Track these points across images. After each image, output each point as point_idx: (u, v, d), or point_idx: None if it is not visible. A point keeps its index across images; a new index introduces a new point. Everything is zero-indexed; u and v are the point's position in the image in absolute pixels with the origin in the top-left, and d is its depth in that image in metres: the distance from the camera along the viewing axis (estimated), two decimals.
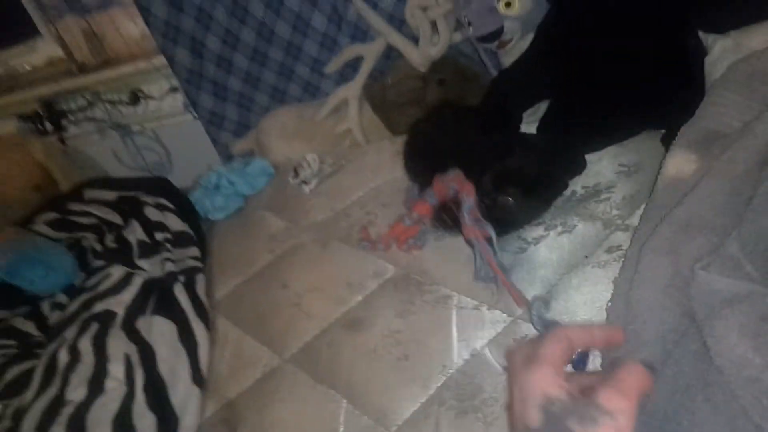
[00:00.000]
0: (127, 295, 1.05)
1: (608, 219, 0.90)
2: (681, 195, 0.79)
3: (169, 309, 1.02)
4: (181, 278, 1.08)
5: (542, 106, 1.10)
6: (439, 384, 0.80)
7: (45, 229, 1.27)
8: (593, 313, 0.78)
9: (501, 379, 0.77)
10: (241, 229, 1.27)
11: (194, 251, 1.17)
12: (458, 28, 1.27)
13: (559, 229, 0.92)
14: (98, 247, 1.22)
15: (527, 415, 0.42)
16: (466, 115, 1.15)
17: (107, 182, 1.41)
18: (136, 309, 1.02)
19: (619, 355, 0.71)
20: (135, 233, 1.20)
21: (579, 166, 1.00)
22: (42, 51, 1.84)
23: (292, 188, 1.29)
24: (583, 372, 0.47)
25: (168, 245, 1.17)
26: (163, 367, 0.93)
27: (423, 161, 1.11)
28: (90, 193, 1.34)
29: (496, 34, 1.12)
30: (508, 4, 1.10)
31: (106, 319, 1.01)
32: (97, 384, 0.90)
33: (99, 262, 1.14)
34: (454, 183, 0.94)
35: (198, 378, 0.94)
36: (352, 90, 1.37)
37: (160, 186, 1.35)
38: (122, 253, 1.15)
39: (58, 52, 1.81)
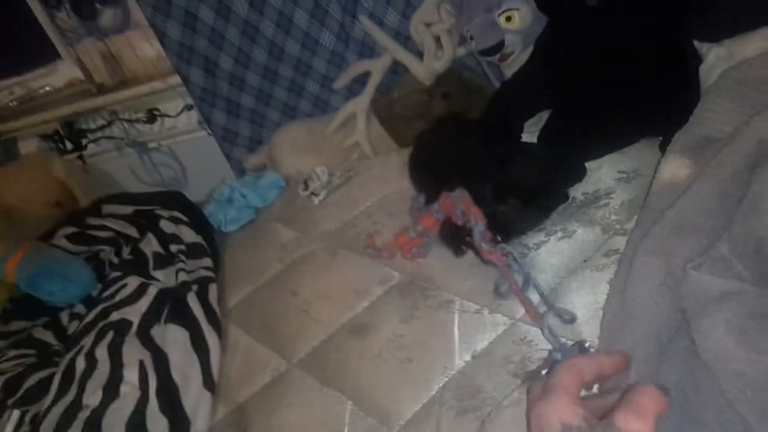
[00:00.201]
0: (142, 305, 1.08)
1: (607, 224, 0.92)
2: (674, 198, 0.81)
3: (183, 317, 1.05)
4: (194, 288, 1.11)
5: (544, 116, 1.13)
6: (440, 385, 0.82)
7: (64, 242, 1.32)
8: (592, 313, 0.80)
9: (499, 379, 0.79)
10: (253, 240, 1.31)
11: (207, 262, 1.21)
12: (461, 43, 1.30)
13: (560, 234, 0.94)
14: (115, 260, 1.26)
15: None
16: (469, 127, 1.18)
17: (124, 197, 1.46)
18: (150, 317, 1.05)
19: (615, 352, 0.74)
20: (150, 245, 1.24)
21: (579, 174, 1.02)
22: (62, 73, 1.89)
23: (302, 200, 1.32)
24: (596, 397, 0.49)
25: (182, 256, 1.21)
26: (176, 373, 0.96)
27: (428, 172, 1.14)
28: (108, 208, 1.39)
29: (498, 48, 1.16)
30: (508, 19, 1.13)
31: (121, 327, 1.04)
32: (112, 389, 0.93)
33: (116, 274, 1.18)
34: (461, 204, 0.96)
35: (209, 383, 0.97)
36: (360, 104, 1.40)
37: (175, 200, 1.39)
38: (138, 265, 1.19)
39: (78, 74, 1.86)
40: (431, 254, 1.03)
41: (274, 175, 1.44)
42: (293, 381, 0.94)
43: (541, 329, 0.78)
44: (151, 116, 1.83)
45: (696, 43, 1.01)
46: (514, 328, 0.85)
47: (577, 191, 1.00)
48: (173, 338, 1.01)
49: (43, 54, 1.86)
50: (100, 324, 1.06)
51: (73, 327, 1.16)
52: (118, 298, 1.11)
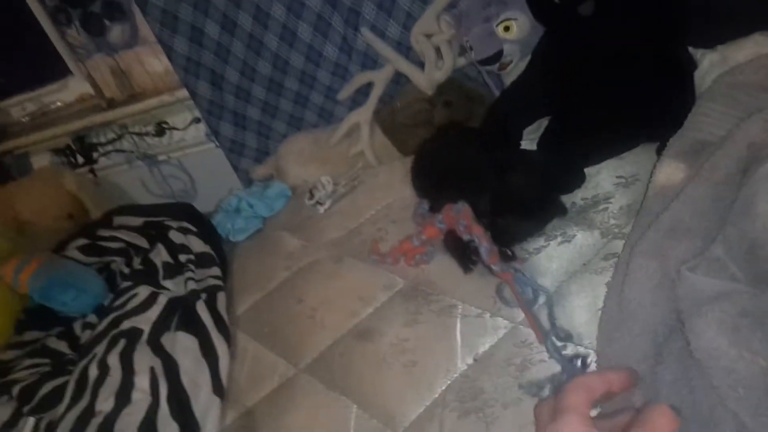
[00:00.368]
0: (153, 313, 1.10)
1: (606, 228, 0.94)
2: (669, 202, 0.83)
3: (192, 325, 1.07)
4: (203, 296, 1.13)
5: (543, 123, 1.15)
6: (443, 387, 0.84)
7: (76, 254, 1.35)
8: (590, 315, 0.81)
9: (500, 381, 0.80)
10: (260, 248, 1.33)
11: (215, 271, 1.23)
12: (461, 53, 1.32)
13: (559, 239, 0.96)
14: (126, 270, 1.29)
15: None
16: (469, 135, 1.20)
17: (134, 209, 1.49)
18: (160, 326, 1.08)
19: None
20: (160, 256, 1.26)
21: (578, 180, 1.04)
22: (73, 89, 1.93)
23: (308, 209, 1.35)
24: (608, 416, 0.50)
25: (191, 266, 1.23)
26: (186, 379, 0.98)
27: (429, 179, 1.17)
28: (118, 220, 1.42)
29: (497, 57, 1.18)
30: (506, 29, 1.16)
31: (133, 335, 1.07)
32: (124, 395, 0.96)
33: (127, 284, 1.21)
34: (464, 219, 0.98)
35: (218, 388, 0.99)
36: (364, 114, 1.43)
37: (184, 211, 1.42)
38: (148, 275, 1.22)
39: (88, 89, 1.90)
40: (434, 260, 1.05)
41: (280, 185, 1.46)
42: (300, 385, 0.95)
43: (546, 347, 0.80)
44: (160, 129, 1.87)
45: (691, 49, 1.04)
46: (514, 331, 0.87)
47: (576, 196, 1.02)
48: (183, 345, 1.03)
49: (55, 70, 1.91)
50: (112, 332, 1.09)
51: (85, 336, 1.19)
52: (129, 307, 1.13)
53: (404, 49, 1.39)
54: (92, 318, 1.23)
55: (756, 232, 0.71)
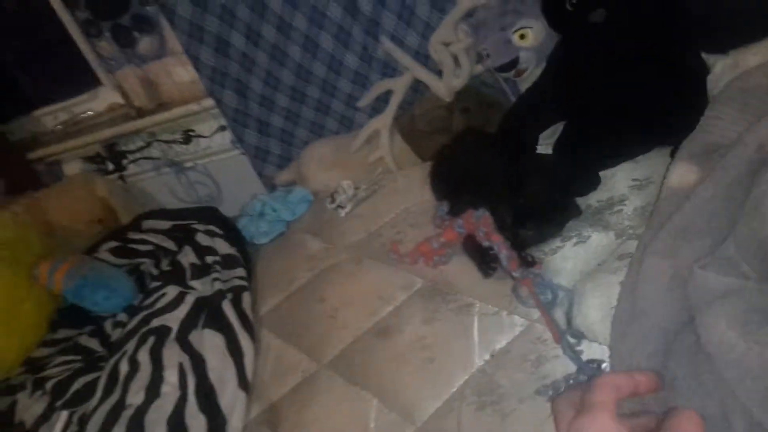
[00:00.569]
0: (181, 312, 1.14)
1: (621, 229, 0.96)
2: (681, 203, 0.85)
3: (218, 323, 1.10)
4: (229, 296, 1.17)
5: (559, 128, 1.17)
6: (461, 382, 0.86)
7: (107, 256, 1.40)
8: (604, 313, 0.83)
9: (516, 376, 0.83)
10: (283, 251, 1.37)
11: (241, 272, 1.27)
12: (479, 61, 1.35)
13: (575, 240, 0.98)
14: (155, 271, 1.33)
15: None
16: (486, 140, 1.23)
17: (162, 213, 1.54)
18: (188, 324, 1.12)
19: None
20: (187, 257, 1.31)
21: (594, 183, 1.06)
22: (103, 98, 1.99)
23: (330, 213, 1.39)
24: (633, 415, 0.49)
25: (217, 267, 1.27)
26: (213, 374, 1.02)
27: (447, 184, 1.20)
28: (147, 224, 1.47)
29: (513, 64, 1.21)
30: (522, 37, 1.19)
31: (162, 333, 1.11)
32: (153, 389, 0.99)
33: (155, 284, 1.25)
34: (483, 227, 1.01)
35: (244, 383, 1.02)
36: (383, 121, 1.46)
37: (210, 215, 1.47)
38: (176, 275, 1.26)
39: (118, 98, 1.95)
40: (452, 261, 1.07)
41: (302, 190, 1.50)
42: (322, 381, 0.98)
43: (561, 346, 0.82)
44: (187, 137, 1.92)
45: (703, 54, 1.06)
46: (530, 328, 0.89)
47: (591, 198, 1.04)
48: (210, 342, 1.07)
49: (86, 81, 1.97)
50: (142, 330, 1.13)
51: (116, 334, 1.23)
52: (158, 306, 1.18)
53: (423, 57, 1.42)
54: (122, 317, 1.27)
55: (766, 231, 0.72)
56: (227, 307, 1.14)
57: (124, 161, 2.02)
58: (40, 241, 1.42)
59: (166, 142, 1.96)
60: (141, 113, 1.91)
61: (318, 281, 1.21)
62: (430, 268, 1.08)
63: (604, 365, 0.78)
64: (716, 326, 0.66)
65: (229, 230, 1.41)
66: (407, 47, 1.42)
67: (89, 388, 1.09)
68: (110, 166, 2.02)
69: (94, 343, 1.25)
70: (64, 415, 1.06)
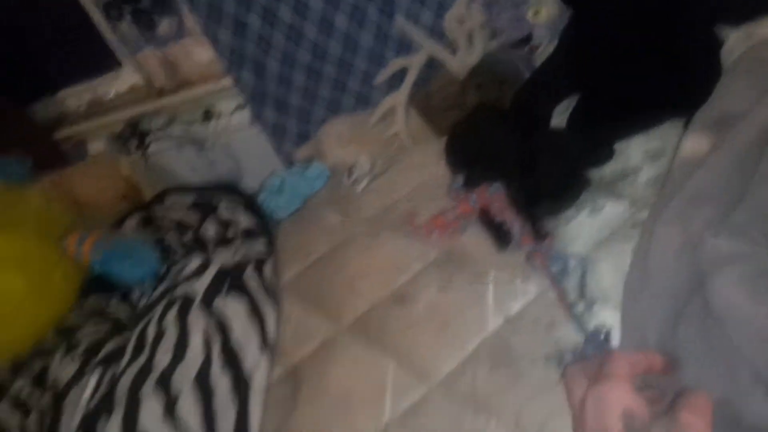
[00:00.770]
0: (205, 280, 1.17)
1: (634, 199, 0.98)
2: (693, 171, 0.87)
3: (241, 290, 1.13)
4: (251, 265, 1.20)
5: (572, 102, 1.19)
6: (475, 345, 0.90)
7: (132, 229, 1.44)
8: (616, 280, 0.86)
9: (529, 338, 0.86)
10: (302, 225, 1.41)
11: (262, 243, 1.30)
12: (492, 37, 1.38)
13: (588, 209, 1.01)
14: (178, 243, 1.37)
15: (607, 422, 0.47)
16: (500, 115, 1.26)
17: (185, 189, 1.57)
18: (212, 291, 1.14)
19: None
20: (210, 230, 1.34)
21: (607, 156, 1.08)
22: (125, 79, 2.02)
23: (347, 188, 1.42)
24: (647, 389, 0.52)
25: (239, 239, 1.31)
26: (236, 338, 1.05)
27: (462, 158, 1.23)
28: (170, 198, 1.51)
29: (527, 40, 1.23)
30: (536, 13, 1.21)
31: (186, 300, 1.13)
32: (180, 351, 1.03)
33: (180, 255, 1.29)
34: (497, 203, 1.04)
35: (266, 347, 1.06)
36: (399, 98, 1.48)
37: (231, 189, 1.50)
38: (199, 247, 1.30)
39: (139, 79, 1.99)
40: (467, 233, 1.10)
41: (320, 166, 1.53)
42: (341, 345, 1.02)
43: (570, 317, 0.85)
44: (207, 116, 1.96)
45: (717, 26, 1.07)
46: (544, 294, 0.92)
47: (606, 169, 1.06)
48: (233, 308, 1.10)
49: (108, 62, 2.01)
50: (168, 298, 1.16)
51: (142, 303, 1.27)
52: (182, 275, 1.21)
53: (437, 35, 1.44)
54: (148, 287, 1.31)
55: None
56: (249, 276, 1.17)
57: (147, 140, 2.06)
58: (67, 215, 1.47)
59: (187, 121, 2.00)
60: (162, 93, 1.95)
61: (336, 253, 1.24)
62: (445, 240, 1.11)
63: (611, 335, 0.80)
64: (725, 289, 0.69)
65: (250, 205, 1.44)
66: (422, 25, 1.44)
67: (118, 351, 1.12)
68: (133, 145, 2.07)
69: (121, 311, 1.30)
70: (95, 375, 1.09)
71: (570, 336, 0.83)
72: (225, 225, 1.34)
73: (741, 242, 0.73)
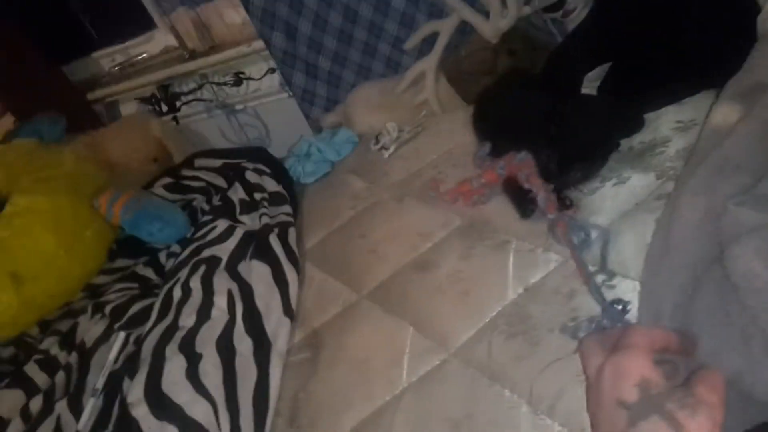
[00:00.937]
0: (230, 244, 1.19)
1: (662, 170, 0.96)
2: (721, 141, 0.84)
3: (265, 255, 1.15)
4: (276, 230, 1.21)
5: (605, 69, 1.16)
6: (494, 313, 0.89)
7: (162, 191, 1.47)
8: (639, 250, 0.84)
9: (547, 308, 0.85)
10: (328, 190, 1.41)
11: (287, 209, 1.31)
12: (526, 1, 1.34)
13: (614, 180, 0.99)
14: (206, 206, 1.39)
15: (623, 390, 0.47)
16: (531, 82, 1.23)
17: (214, 152, 1.59)
18: (237, 255, 1.17)
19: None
20: (237, 194, 1.36)
21: (638, 126, 1.06)
22: (158, 41, 2.05)
23: (374, 154, 1.41)
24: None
25: (265, 203, 1.32)
26: (259, 302, 1.07)
27: (490, 124, 1.21)
28: (199, 162, 1.53)
29: (560, 4, 1.20)
30: None
31: (212, 262, 1.16)
32: (204, 313, 1.05)
33: (207, 218, 1.31)
34: (525, 170, 1.02)
35: (288, 311, 1.07)
36: (430, 63, 1.46)
37: (259, 154, 1.51)
38: (226, 210, 1.31)
39: (172, 41, 2.01)
40: (491, 201, 1.09)
41: (348, 132, 1.53)
42: (362, 310, 1.03)
43: (589, 288, 0.83)
44: (238, 79, 1.97)
45: None
46: (564, 264, 0.90)
47: (634, 140, 1.04)
48: (257, 272, 1.12)
49: (141, 24, 2.04)
50: (194, 260, 1.18)
51: (170, 264, 1.30)
52: (209, 238, 1.23)
53: None
54: (176, 248, 1.34)
55: None
56: (274, 241, 1.18)
57: (178, 103, 2.08)
58: (99, 175, 1.50)
59: (218, 84, 2.01)
60: (193, 55, 1.96)
61: (360, 218, 1.25)
62: (469, 207, 1.10)
63: (629, 307, 0.79)
64: (743, 256, 0.67)
65: (277, 169, 1.45)
66: None
67: (145, 312, 1.16)
68: (164, 108, 2.09)
69: (149, 272, 1.33)
70: (121, 335, 1.13)
71: (588, 307, 0.82)
72: (252, 189, 1.36)
73: (764, 212, 0.71)
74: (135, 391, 0.93)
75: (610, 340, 0.54)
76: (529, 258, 0.95)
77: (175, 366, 0.96)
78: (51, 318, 1.29)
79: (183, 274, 1.17)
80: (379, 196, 1.27)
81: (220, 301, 1.07)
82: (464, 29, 1.46)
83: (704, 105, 1.00)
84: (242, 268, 1.14)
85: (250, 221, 1.27)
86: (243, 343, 1.01)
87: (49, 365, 1.15)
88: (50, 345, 1.20)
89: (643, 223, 0.88)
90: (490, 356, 0.84)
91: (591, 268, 0.86)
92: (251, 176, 1.40)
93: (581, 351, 0.57)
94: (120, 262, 1.38)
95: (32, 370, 1.15)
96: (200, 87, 2.03)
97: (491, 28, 1.35)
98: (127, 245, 1.40)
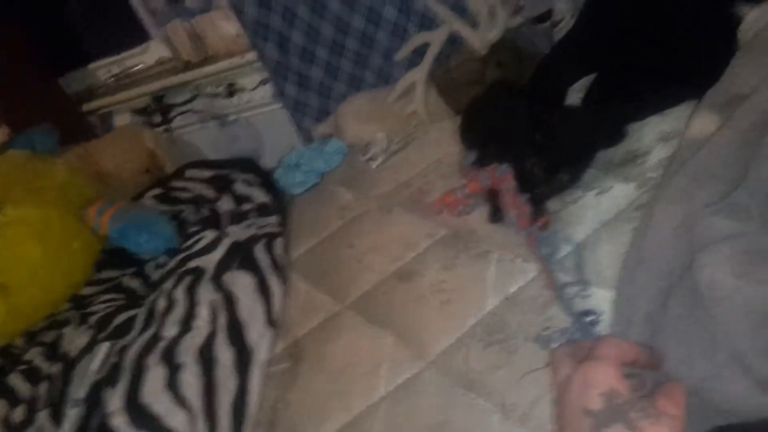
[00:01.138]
0: (217, 255, 1.19)
1: (642, 181, 0.96)
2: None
3: (251, 265, 1.15)
4: (262, 241, 1.21)
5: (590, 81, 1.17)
6: (473, 322, 0.89)
7: (151, 202, 1.48)
8: (616, 259, 0.84)
9: (524, 317, 0.85)
10: (316, 201, 1.41)
11: (274, 219, 1.31)
12: (515, 12, 1.35)
13: (596, 191, 0.99)
14: (194, 217, 1.40)
15: (589, 398, 0.48)
16: (517, 93, 1.23)
17: (204, 163, 1.60)
18: (223, 265, 1.16)
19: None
20: (225, 205, 1.36)
21: (620, 137, 1.05)
22: (153, 52, 2.06)
23: (363, 165, 1.42)
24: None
25: (253, 214, 1.32)
26: (243, 312, 1.06)
27: (476, 134, 1.21)
28: (189, 173, 1.54)
29: (547, 15, 1.20)
30: None
31: (198, 273, 1.16)
32: (186, 323, 1.05)
33: (195, 228, 1.31)
34: (507, 184, 1.03)
35: (271, 321, 1.07)
36: (420, 73, 1.46)
37: (248, 165, 1.52)
38: (214, 221, 1.31)
39: (166, 52, 2.02)
40: (475, 211, 1.09)
41: (338, 142, 1.53)
42: (344, 320, 1.03)
43: (559, 301, 0.84)
44: (231, 91, 1.98)
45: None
46: (542, 275, 0.91)
47: (617, 150, 1.04)
48: (242, 283, 1.12)
49: (137, 35, 2.05)
50: (180, 270, 1.19)
51: (157, 276, 1.30)
52: (195, 248, 1.23)
53: (460, 10, 1.42)
54: (163, 259, 1.34)
55: None
56: (260, 251, 1.19)
57: (171, 114, 2.09)
58: (90, 186, 1.51)
59: (211, 95, 2.02)
60: (188, 66, 1.97)
61: (348, 229, 1.25)
62: (454, 218, 1.11)
63: (600, 318, 0.79)
64: (709, 265, 0.67)
65: (266, 180, 1.46)
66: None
67: (129, 323, 1.16)
68: (158, 119, 2.10)
69: (135, 284, 1.33)
70: (105, 346, 1.12)
71: (562, 317, 0.82)
72: (240, 200, 1.36)
73: (737, 220, 0.71)
74: (115, 401, 0.93)
75: (582, 351, 0.54)
76: (510, 267, 0.95)
77: (155, 376, 0.96)
78: (36, 329, 1.29)
79: (168, 285, 1.17)
80: (367, 206, 1.28)
81: (203, 312, 1.07)
82: (454, 40, 1.46)
83: (686, 116, 1.00)
84: (227, 278, 1.14)
85: (237, 232, 1.27)
86: (224, 353, 1.01)
87: (33, 375, 1.15)
88: (34, 356, 1.20)
89: (621, 233, 0.89)
90: (467, 365, 0.83)
91: (567, 279, 0.86)
92: (240, 187, 1.41)
93: (552, 361, 0.57)
94: (107, 273, 1.38)
95: (15, 380, 1.15)
96: (193, 98, 2.04)
97: (479, 38, 1.36)
98: (115, 256, 1.40)
